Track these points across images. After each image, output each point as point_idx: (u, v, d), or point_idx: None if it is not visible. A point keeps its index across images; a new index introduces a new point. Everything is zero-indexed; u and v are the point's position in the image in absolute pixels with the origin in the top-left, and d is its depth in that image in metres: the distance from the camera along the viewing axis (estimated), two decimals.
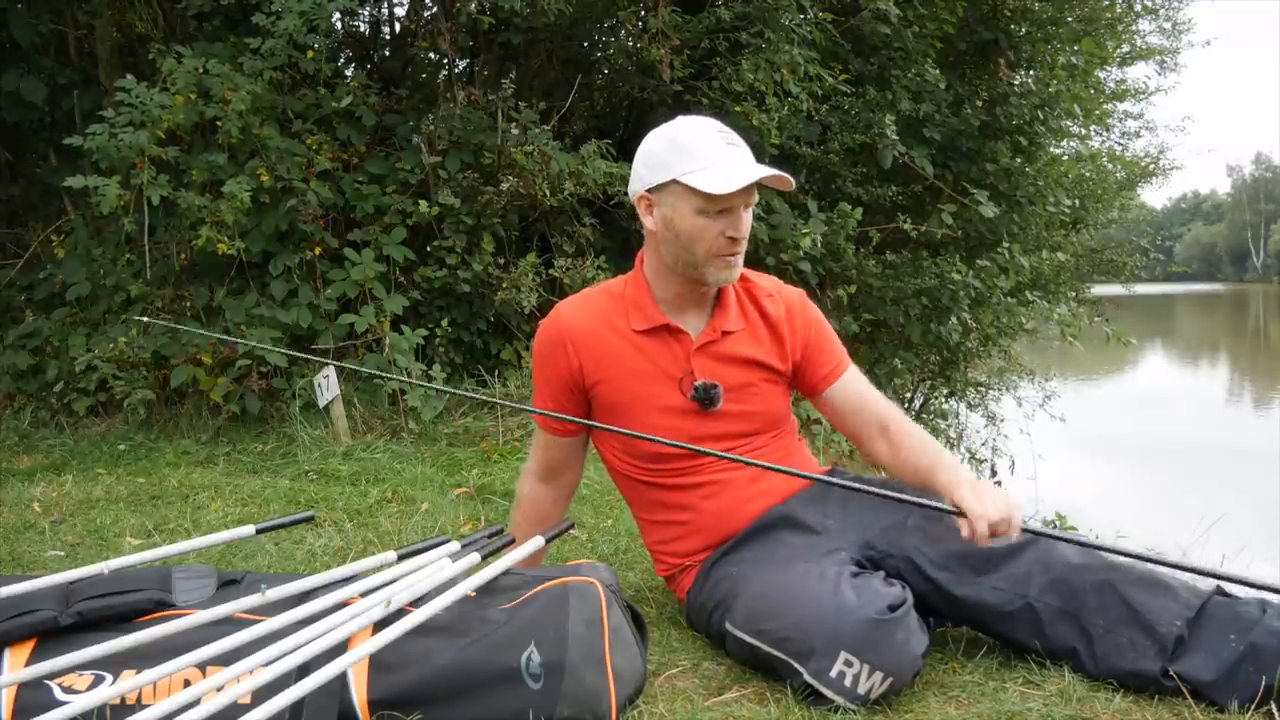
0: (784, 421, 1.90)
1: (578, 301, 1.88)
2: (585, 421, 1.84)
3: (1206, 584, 1.57)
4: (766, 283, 1.90)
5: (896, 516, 1.71)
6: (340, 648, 1.38)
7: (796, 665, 1.50)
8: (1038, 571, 1.58)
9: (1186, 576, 1.55)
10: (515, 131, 4.56)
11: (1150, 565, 1.57)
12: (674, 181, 1.68)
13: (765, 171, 1.67)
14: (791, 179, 1.72)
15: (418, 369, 4.15)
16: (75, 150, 4.12)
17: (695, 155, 1.67)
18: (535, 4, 4.71)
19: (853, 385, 1.86)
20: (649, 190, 1.72)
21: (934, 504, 1.61)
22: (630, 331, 1.81)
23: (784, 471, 1.71)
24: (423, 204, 4.39)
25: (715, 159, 1.66)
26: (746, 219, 1.72)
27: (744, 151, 1.69)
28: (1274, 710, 1.43)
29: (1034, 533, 1.58)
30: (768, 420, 1.85)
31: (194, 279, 4.52)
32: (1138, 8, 8.79)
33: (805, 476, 1.74)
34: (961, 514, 1.55)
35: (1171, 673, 1.48)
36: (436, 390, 4.00)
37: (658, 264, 1.80)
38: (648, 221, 1.75)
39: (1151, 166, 11.17)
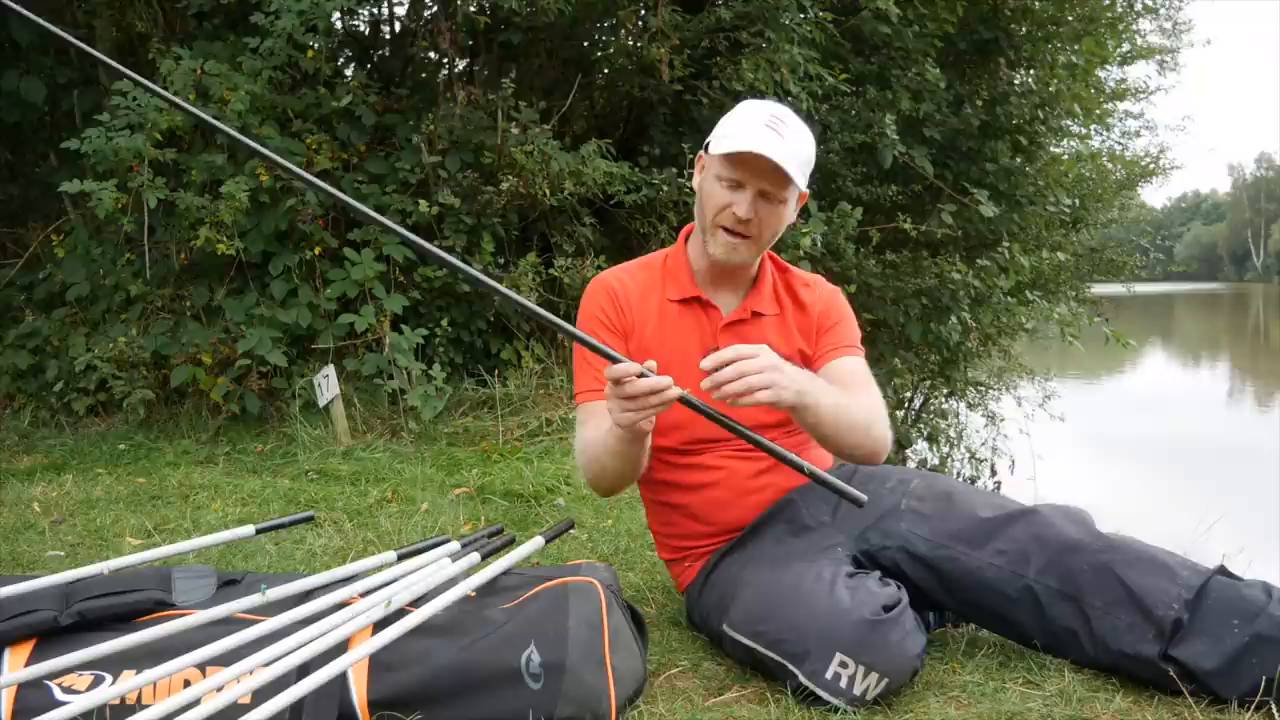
0: None
1: (618, 270, 1.93)
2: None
3: (1208, 562, 1.57)
4: (806, 275, 1.95)
5: (890, 504, 1.71)
6: (340, 648, 1.38)
7: (792, 667, 1.50)
8: (1035, 550, 1.57)
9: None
10: (515, 131, 4.56)
11: (1148, 545, 1.58)
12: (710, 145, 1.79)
13: (763, 151, 1.66)
14: (794, 180, 1.69)
15: (418, 368, 4.15)
16: (75, 151, 4.12)
17: (731, 126, 1.74)
18: (535, 3, 4.70)
19: (836, 371, 1.82)
20: (703, 152, 1.80)
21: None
22: (665, 300, 1.85)
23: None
24: (423, 204, 4.39)
25: (744, 133, 1.70)
26: (763, 210, 1.73)
27: (779, 139, 1.68)
28: (1273, 707, 1.43)
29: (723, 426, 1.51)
30: (787, 413, 1.85)
31: (194, 279, 4.52)
32: (1138, 7, 8.78)
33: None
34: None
35: (1172, 657, 1.47)
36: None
37: (697, 231, 1.84)
38: (695, 181, 1.84)
39: (1151, 166, 11.15)
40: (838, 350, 1.86)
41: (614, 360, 1.49)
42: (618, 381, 1.48)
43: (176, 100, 1.49)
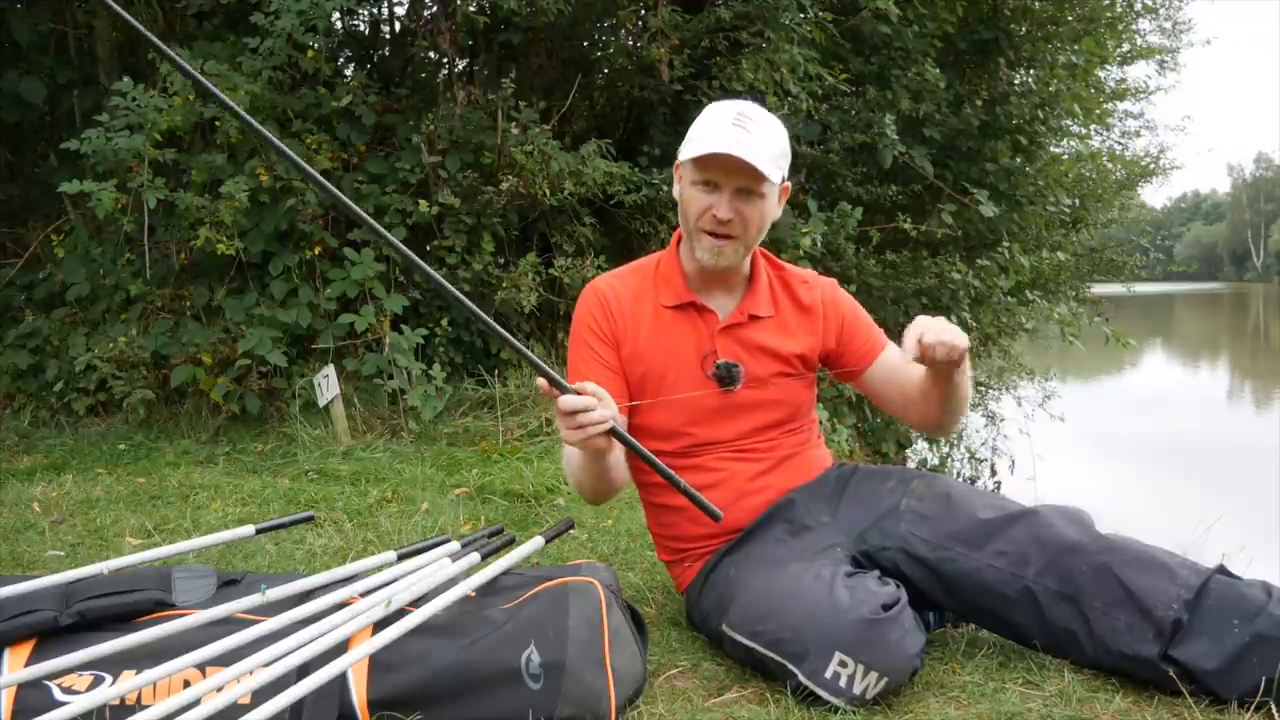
0: (803, 416, 1.90)
1: (611, 276, 1.93)
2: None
3: (1208, 562, 1.57)
4: (801, 272, 1.94)
5: (890, 505, 1.71)
6: (340, 648, 1.38)
7: (791, 667, 1.50)
8: (1035, 551, 1.57)
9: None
10: (515, 131, 4.55)
11: (1148, 546, 1.58)
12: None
13: (730, 149, 1.65)
14: (766, 174, 1.68)
15: (418, 368, 4.15)
16: (75, 151, 4.12)
17: (699, 129, 1.74)
18: (535, 3, 4.70)
19: (892, 358, 1.87)
20: (679, 161, 1.79)
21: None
22: (659, 306, 1.85)
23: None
24: (423, 204, 4.39)
25: (711, 135, 1.70)
26: (743, 209, 1.72)
27: (746, 135, 1.68)
28: (1273, 708, 1.43)
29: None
30: (787, 413, 1.86)
31: (194, 279, 4.52)
32: (1138, 7, 8.79)
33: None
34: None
35: (1172, 658, 1.47)
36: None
37: (685, 238, 1.84)
38: (674, 191, 1.84)
39: (1151, 166, 11.18)
40: (878, 344, 1.90)
41: (551, 379, 1.49)
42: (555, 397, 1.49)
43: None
